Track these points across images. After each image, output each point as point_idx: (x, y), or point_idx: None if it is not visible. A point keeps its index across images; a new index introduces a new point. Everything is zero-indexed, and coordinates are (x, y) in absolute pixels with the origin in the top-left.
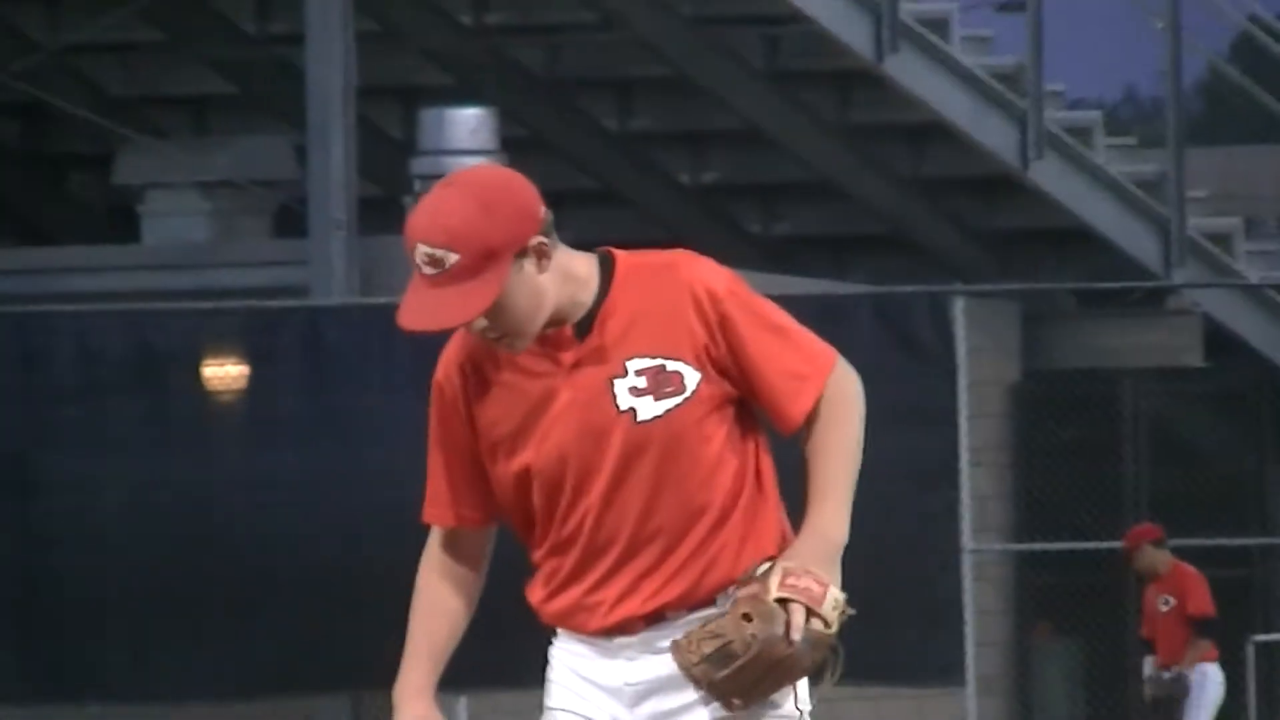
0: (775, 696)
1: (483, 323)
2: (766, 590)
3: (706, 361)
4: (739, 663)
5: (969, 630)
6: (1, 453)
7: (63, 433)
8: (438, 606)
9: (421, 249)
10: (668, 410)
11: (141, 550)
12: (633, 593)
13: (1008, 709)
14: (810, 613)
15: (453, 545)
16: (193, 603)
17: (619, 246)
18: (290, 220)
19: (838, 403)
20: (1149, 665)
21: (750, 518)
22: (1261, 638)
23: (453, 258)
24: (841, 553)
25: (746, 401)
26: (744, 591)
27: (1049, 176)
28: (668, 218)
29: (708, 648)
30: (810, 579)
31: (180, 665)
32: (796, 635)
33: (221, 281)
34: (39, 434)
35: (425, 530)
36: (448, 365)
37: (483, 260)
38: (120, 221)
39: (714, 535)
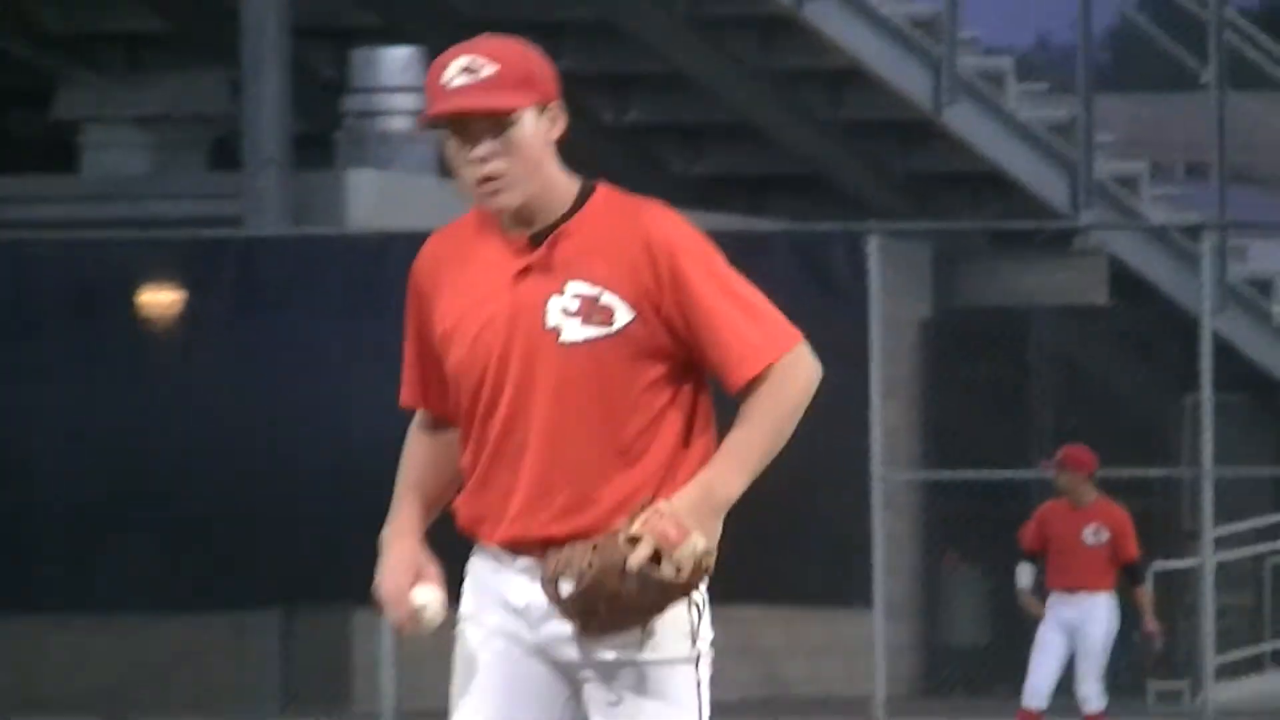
0: (668, 637)
1: (493, 147)
2: (626, 527)
3: (647, 307)
4: (579, 588)
5: (878, 556)
6: None
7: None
8: (426, 461)
9: (459, 61)
10: (589, 339)
11: (77, 474)
12: (531, 513)
13: (915, 632)
14: (659, 557)
15: (433, 429)
16: (126, 522)
17: None
18: (225, 154)
19: (783, 381)
20: (1026, 576)
21: (671, 472)
22: (1161, 565)
23: (491, 69)
24: (724, 512)
25: (695, 363)
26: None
27: (962, 121)
28: (590, 156)
29: (560, 568)
30: (671, 524)
31: (114, 580)
32: (631, 567)
33: (157, 213)
34: None
35: (358, 451)
36: (423, 258)
37: (519, 80)
38: (59, 155)
39: (625, 479)
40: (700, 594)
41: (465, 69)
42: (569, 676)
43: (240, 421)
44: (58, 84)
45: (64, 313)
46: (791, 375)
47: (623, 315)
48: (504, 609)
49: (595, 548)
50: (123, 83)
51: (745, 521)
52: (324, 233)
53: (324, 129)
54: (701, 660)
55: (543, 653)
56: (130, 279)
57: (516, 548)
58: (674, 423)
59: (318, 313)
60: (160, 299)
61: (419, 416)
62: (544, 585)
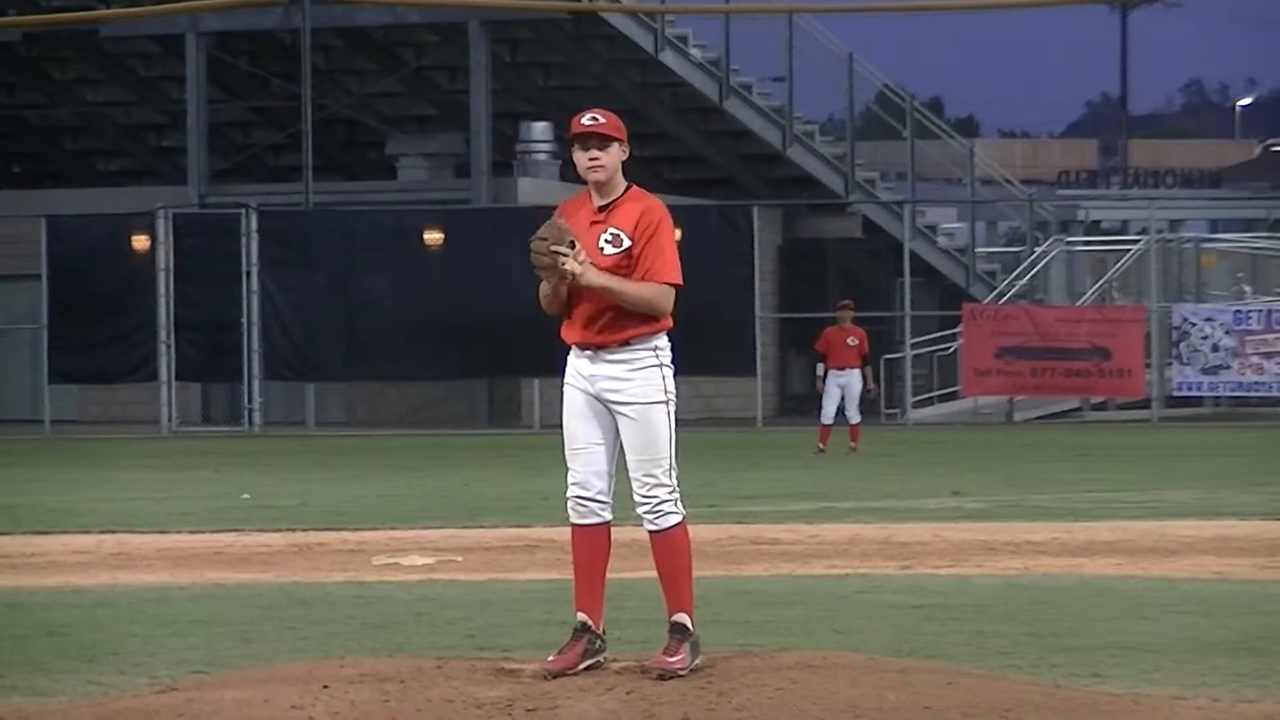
0: (649, 389)
1: (597, 151)
2: (574, 247)
3: (635, 242)
4: (535, 250)
5: (757, 350)
6: None
7: None
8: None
9: (589, 115)
10: (614, 253)
11: (391, 321)
12: (582, 331)
13: (774, 387)
14: (559, 257)
15: None
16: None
17: None
18: (462, 170)
19: (656, 293)
20: (821, 369)
21: (638, 318)
22: (886, 356)
23: (602, 119)
24: (593, 284)
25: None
26: (561, 234)
27: (796, 155)
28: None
29: (537, 245)
30: (571, 259)
31: (409, 364)
32: (553, 249)
33: (433, 199)
34: None
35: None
36: (563, 205)
37: (614, 128)
38: (388, 172)
39: (620, 320)
40: (669, 368)
41: (592, 116)
42: (607, 407)
43: (469, 299)
44: (386, 134)
45: (386, 244)
46: (661, 293)
47: (627, 242)
48: (578, 376)
49: (541, 239)
50: (414, 135)
51: (697, 337)
52: (509, 206)
53: (509, 158)
54: (670, 403)
55: (596, 396)
56: (419, 228)
57: (581, 346)
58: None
59: (507, 241)
60: (433, 238)
61: None
62: (531, 242)
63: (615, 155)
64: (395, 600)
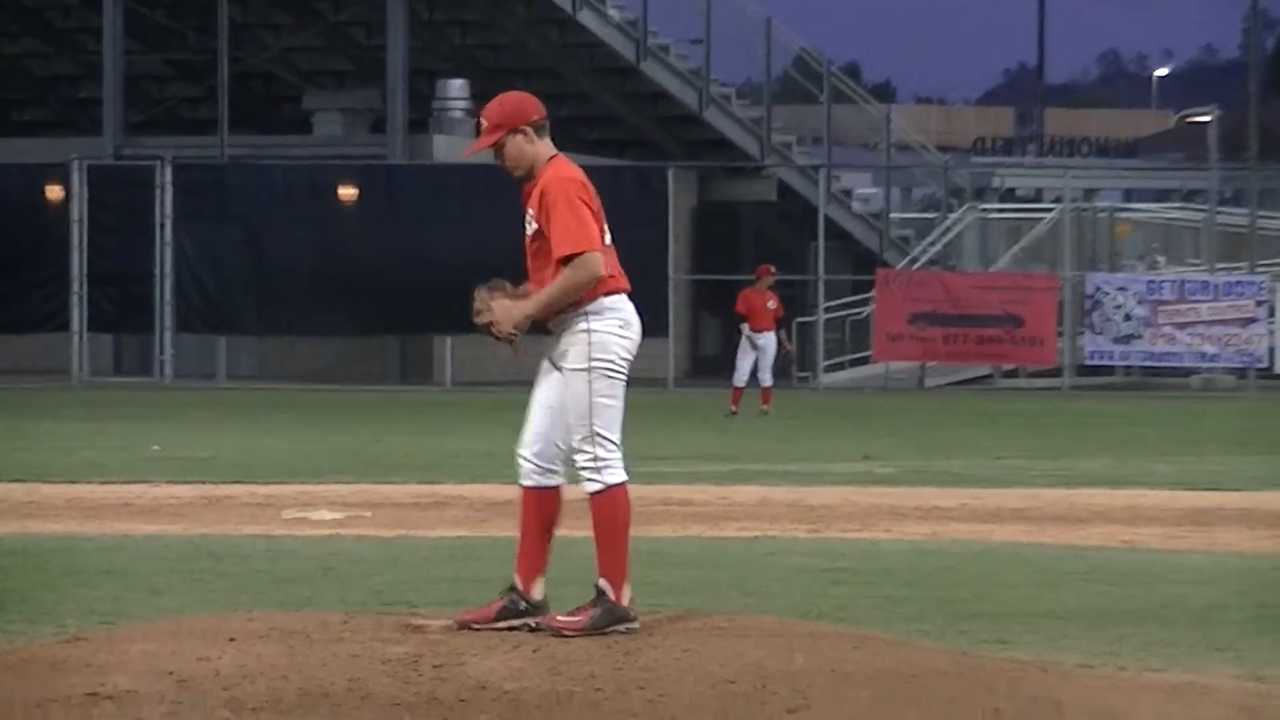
0: (575, 356)
1: (499, 153)
2: (491, 306)
3: (540, 225)
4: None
5: (669, 311)
6: None
7: None
8: None
9: (479, 119)
10: (530, 232)
11: (301, 269)
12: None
13: (688, 350)
14: (494, 324)
15: None
16: (338, 296)
17: None
18: (379, 126)
19: (573, 268)
20: (746, 329)
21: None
22: (799, 320)
23: (486, 121)
24: (524, 321)
25: None
26: (492, 300)
27: (713, 118)
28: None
29: (479, 304)
30: (501, 317)
31: (333, 320)
32: (479, 324)
33: (349, 153)
34: None
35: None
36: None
37: (494, 126)
38: (305, 127)
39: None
40: (604, 334)
41: (478, 122)
42: (558, 370)
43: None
44: (302, 89)
45: (300, 198)
46: (568, 276)
47: (534, 225)
48: (547, 345)
49: (484, 304)
50: (331, 90)
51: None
52: (425, 163)
53: (425, 115)
54: (594, 369)
55: (551, 361)
56: (334, 183)
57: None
58: (552, 268)
59: (422, 198)
60: (347, 194)
61: None
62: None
63: (516, 145)
64: (303, 555)
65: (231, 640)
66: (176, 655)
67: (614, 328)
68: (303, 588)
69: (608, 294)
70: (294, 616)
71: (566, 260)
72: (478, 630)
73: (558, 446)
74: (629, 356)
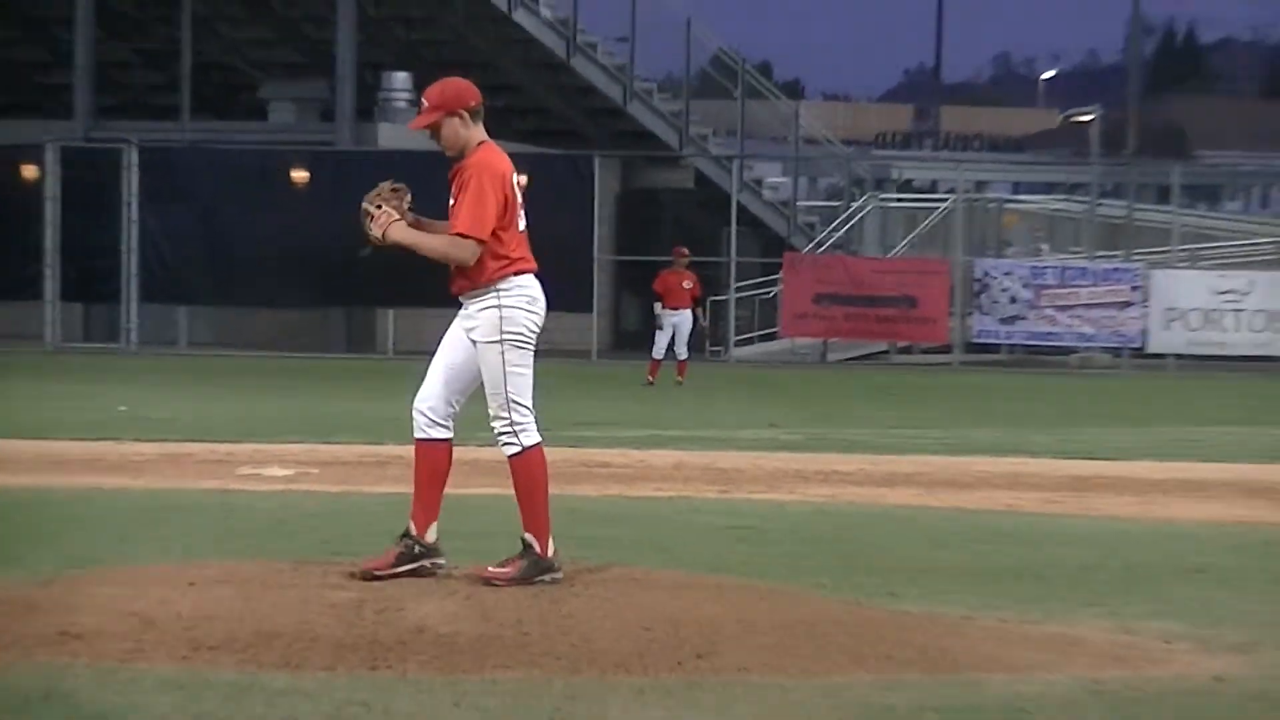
0: (487, 330)
1: (436, 134)
2: (381, 208)
3: (453, 201)
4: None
5: (595, 289)
6: None
7: None
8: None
9: (422, 100)
10: (451, 205)
11: (254, 243)
12: (449, 283)
13: (611, 325)
14: (373, 220)
15: None
16: (281, 276)
17: None
18: (328, 114)
19: (455, 243)
20: (659, 308)
21: (476, 269)
22: (713, 298)
23: (426, 102)
24: (400, 241)
25: None
26: (387, 203)
27: (636, 112)
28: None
29: (377, 196)
30: (385, 222)
31: (279, 292)
32: (366, 206)
33: (301, 138)
34: None
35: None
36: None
37: (434, 108)
38: (260, 114)
39: (461, 271)
40: (515, 310)
41: (418, 105)
42: (470, 340)
43: (330, 235)
44: (258, 79)
45: (255, 180)
46: (453, 244)
47: (451, 200)
48: (460, 314)
49: (372, 201)
50: (284, 81)
51: (541, 275)
52: (370, 149)
53: (369, 105)
54: (505, 343)
55: (464, 330)
56: (286, 167)
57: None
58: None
59: (367, 182)
60: (299, 176)
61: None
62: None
63: (452, 127)
64: (256, 508)
65: (191, 585)
66: (140, 598)
67: (522, 303)
68: (256, 539)
69: (517, 273)
70: (248, 564)
71: (459, 235)
72: (380, 577)
73: (450, 405)
74: (536, 329)
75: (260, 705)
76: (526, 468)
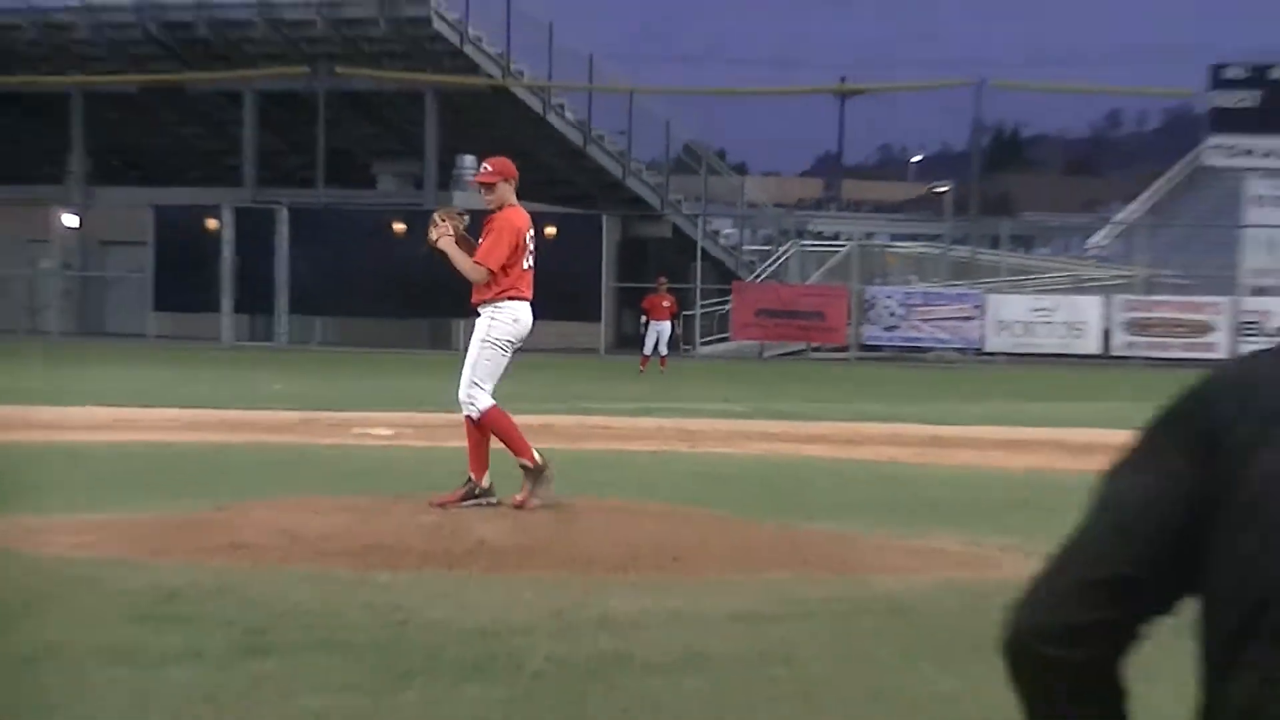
0: (481, 332)
1: (490, 193)
2: (442, 225)
3: (484, 233)
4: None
5: (603, 305)
6: None
7: None
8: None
9: (483, 166)
10: (481, 240)
11: (356, 289)
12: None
13: (615, 333)
14: (434, 227)
15: None
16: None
17: None
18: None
19: (472, 266)
20: (646, 319)
21: (482, 289)
22: (686, 313)
23: (490, 168)
24: (443, 252)
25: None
26: (446, 223)
27: (597, 155)
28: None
29: (441, 215)
30: (441, 230)
31: (358, 301)
32: (433, 231)
33: (398, 202)
34: None
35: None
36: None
37: (493, 174)
38: (368, 183)
39: (476, 289)
40: (504, 324)
41: (483, 167)
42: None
43: (411, 268)
44: (371, 160)
45: (368, 231)
46: (471, 268)
47: (483, 238)
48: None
49: (438, 220)
50: (388, 160)
51: (563, 296)
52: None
53: (447, 178)
54: (487, 343)
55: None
56: (389, 221)
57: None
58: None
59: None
60: (398, 228)
61: None
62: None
63: (501, 190)
64: (367, 458)
65: (317, 512)
66: (286, 519)
67: (509, 320)
68: (366, 480)
69: (509, 299)
70: (360, 498)
71: (478, 262)
72: (449, 509)
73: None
74: (515, 341)
75: (370, 594)
76: (491, 422)
